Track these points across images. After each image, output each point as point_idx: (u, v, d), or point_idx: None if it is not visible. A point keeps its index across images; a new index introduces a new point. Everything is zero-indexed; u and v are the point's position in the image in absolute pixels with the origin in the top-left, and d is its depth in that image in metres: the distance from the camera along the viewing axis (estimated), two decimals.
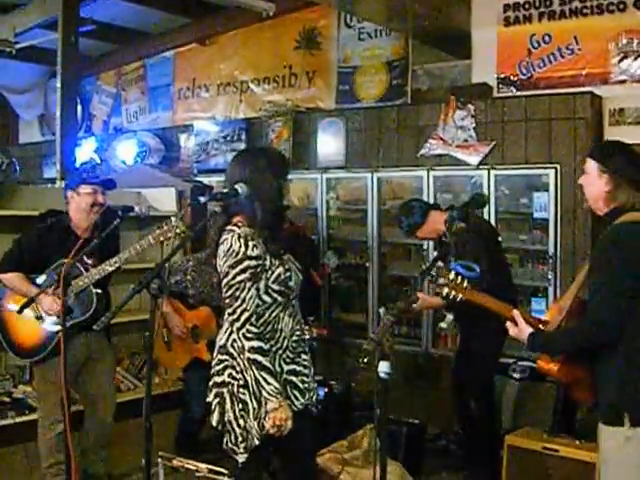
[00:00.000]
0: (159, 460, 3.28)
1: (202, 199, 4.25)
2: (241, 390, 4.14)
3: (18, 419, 7.10)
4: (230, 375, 4.20)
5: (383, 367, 3.61)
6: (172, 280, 6.76)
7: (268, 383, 4.01)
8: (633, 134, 7.35)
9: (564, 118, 7.71)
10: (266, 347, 4.09)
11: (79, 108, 12.28)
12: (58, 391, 5.59)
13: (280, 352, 4.23)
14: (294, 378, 4.29)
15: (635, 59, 7.71)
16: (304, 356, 4.40)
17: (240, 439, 4.15)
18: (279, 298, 4.21)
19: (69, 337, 5.73)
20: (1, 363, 7.56)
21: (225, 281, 4.13)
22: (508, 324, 4.01)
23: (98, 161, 12.15)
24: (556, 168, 7.63)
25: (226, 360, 4.23)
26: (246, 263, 4.07)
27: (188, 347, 6.88)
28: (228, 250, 4.12)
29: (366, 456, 6.63)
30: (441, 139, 8.48)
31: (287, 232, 4.55)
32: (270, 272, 4.16)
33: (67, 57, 9.46)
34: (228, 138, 10.57)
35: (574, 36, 8.04)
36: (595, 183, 4.12)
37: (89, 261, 5.86)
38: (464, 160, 8.26)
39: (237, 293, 4.08)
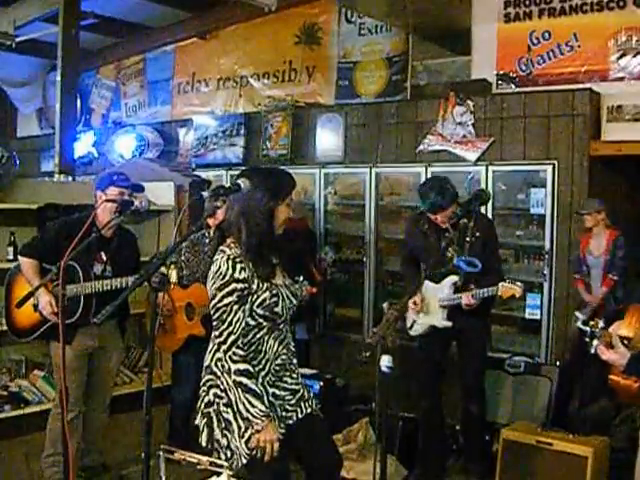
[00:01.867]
0: (160, 453, 3.27)
1: (205, 194, 4.22)
2: (224, 409, 4.12)
3: (14, 412, 7.12)
4: (215, 394, 4.18)
5: (385, 361, 3.62)
6: (167, 262, 6.73)
7: (253, 405, 3.99)
8: (631, 131, 7.40)
9: (562, 115, 7.72)
10: (252, 369, 4.07)
11: (78, 102, 12.29)
12: (72, 381, 5.69)
13: (262, 374, 4.19)
14: (274, 401, 4.25)
15: (634, 56, 7.71)
16: (289, 380, 4.35)
17: (224, 457, 4.10)
18: (264, 322, 4.17)
19: (77, 326, 5.87)
20: None
21: (212, 303, 4.11)
22: (602, 348, 3.93)
23: (96, 155, 12.18)
24: (554, 164, 7.65)
25: (211, 380, 4.21)
26: (233, 286, 4.05)
27: (182, 326, 6.84)
28: (217, 272, 4.10)
29: (361, 450, 6.66)
30: (440, 135, 8.49)
31: (288, 227, 4.47)
32: (255, 296, 4.12)
33: (67, 50, 9.46)
34: (227, 133, 10.59)
35: (573, 33, 8.04)
36: None
37: (104, 257, 5.99)
38: (462, 156, 8.27)
39: (224, 316, 4.06)
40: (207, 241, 6.79)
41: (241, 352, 4.05)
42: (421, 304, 6.42)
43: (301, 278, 4.90)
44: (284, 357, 4.31)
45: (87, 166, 12.21)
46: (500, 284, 6.00)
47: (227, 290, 4.05)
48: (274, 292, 4.18)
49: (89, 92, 13.71)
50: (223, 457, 4.09)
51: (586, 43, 7.97)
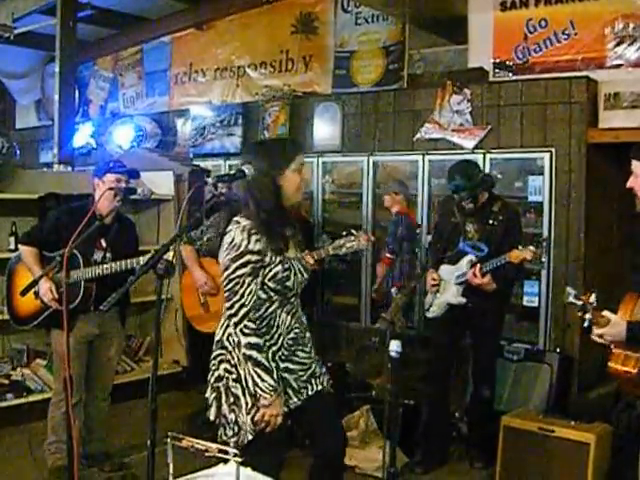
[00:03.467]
0: (168, 440, 3.29)
1: (209, 180, 4.23)
2: (233, 384, 4.12)
3: (16, 401, 7.18)
4: (225, 369, 4.17)
5: (394, 346, 3.70)
6: (204, 238, 6.70)
7: (262, 380, 3.99)
8: (628, 118, 7.41)
9: (560, 102, 7.75)
10: (262, 343, 4.06)
11: (76, 93, 12.30)
12: (72, 369, 5.71)
13: (274, 349, 4.17)
14: (288, 376, 4.24)
15: (631, 44, 7.72)
16: (301, 354, 4.33)
17: (231, 433, 4.14)
18: (274, 296, 4.16)
19: (79, 314, 5.89)
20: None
21: (225, 274, 4.07)
22: (596, 330, 3.88)
23: (95, 146, 12.20)
24: (551, 152, 7.68)
25: (222, 354, 4.20)
26: (247, 257, 4.02)
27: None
28: (231, 243, 4.07)
29: (363, 437, 6.69)
30: (437, 123, 8.52)
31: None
32: (268, 269, 4.09)
33: (65, 42, 9.50)
34: (224, 123, 10.63)
35: (570, 21, 8.04)
36: None
37: (104, 244, 6.06)
38: (460, 144, 8.31)
39: (236, 288, 4.03)
40: None
41: (252, 325, 4.04)
42: (439, 282, 6.55)
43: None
44: (297, 331, 4.31)
45: (86, 157, 12.23)
46: (512, 251, 6.14)
47: (241, 262, 4.02)
48: (286, 266, 4.16)
49: (87, 83, 13.70)
50: (230, 433, 4.14)
51: (583, 31, 7.97)
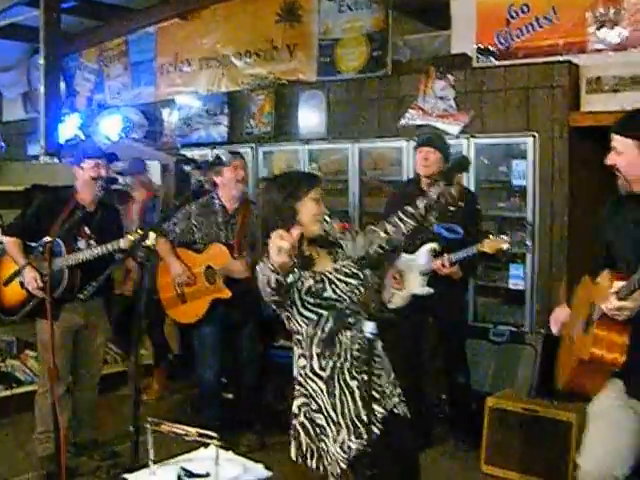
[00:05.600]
0: (147, 426, 3.33)
1: (187, 168, 4.28)
2: (316, 415, 4.07)
3: (6, 392, 7.21)
4: (301, 405, 4.13)
5: (369, 327, 3.60)
6: (177, 230, 6.72)
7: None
8: (610, 102, 7.45)
9: (542, 87, 7.78)
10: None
11: (63, 85, 12.30)
12: (59, 359, 5.78)
13: (347, 365, 4.06)
14: (366, 389, 4.02)
15: (612, 28, 7.74)
16: (373, 364, 4.08)
17: (327, 462, 4.05)
18: (320, 311, 4.05)
19: (64, 303, 5.93)
20: None
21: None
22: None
23: (82, 137, 12.20)
24: (534, 136, 7.71)
25: (296, 390, 4.18)
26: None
27: (204, 291, 6.71)
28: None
29: None
30: (421, 109, 8.55)
31: None
32: (300, 284, 3.98)
33: (49, 34, 9.51)
34: (210, 112, 10.63)
35: (552, 6, 8.05)
36: (636, 164, 3.87)
37: (88, 232, 6.08)
38: (444, 130, 8.31)
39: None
40: (216, 202, 6.76)
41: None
42: (400, 279, 6.44)
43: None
44: (361, 342, 4.09)
45: (74, 148, 12.22)
46: (484, 241, 6.05)
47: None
48: (317, 278, 4.06)
49: (73, 75, 13.69)
50: (326, 462, 4.05)
51: (564, 15, 7.98)
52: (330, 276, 4.11)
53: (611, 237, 4.11)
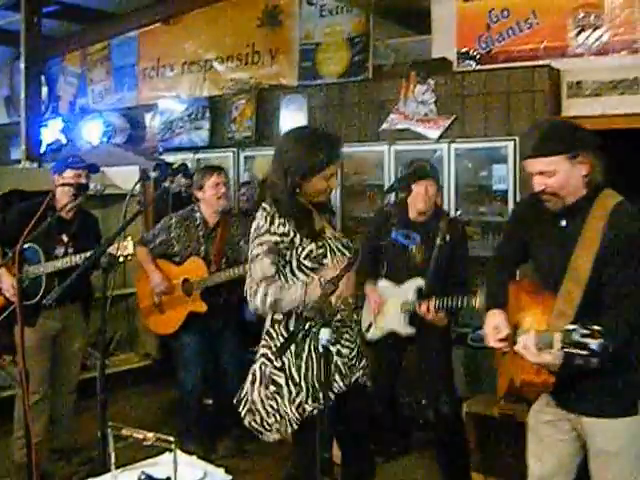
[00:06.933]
0: (109, 430, 3.34)
1: (152, 174, 4.29)
2: (276, 372, 4.10)
3: None
4: (265, 355, 4.16)
5: (325, 334, 3.41)
6: (157, 241, 6.76)
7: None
8: (590, 106, 7.49)
9: (523, 91, 7.79)
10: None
11: (45, 89, 12.29)
12: (36, 364, 5.75)
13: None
14: (339, 360, 4.19)
15: (592, 32, 7.77)
16: (346, 335, 4.24)
17: (272, 420, 4.10)
18: (313, 275, 4.05)
19: (42, 310, 5.91)
20: None
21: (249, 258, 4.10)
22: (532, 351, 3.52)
23: (64, 142, 12.18)
24: (515, 140, 7.70)
25: (264, 340, 4.20)
26: (266, 237, 3.98)
27: (181, 304, 6.76)
28: (255, 227, 4.06)
29: None
30: (402, 114, 8.54)
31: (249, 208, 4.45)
32: (301, 248, 4.03)
33: (30, 38, 9.50)
34: (192, 116, 10.61)
35: (532, 10, 8.07)
36: (571, 177, 3.65)
37: (65, 239, 6.12)
38: (424, 134, 8.32)
39: (250, 265, 4.04)
40: (197, 215, 6.79)
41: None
42: (380, 305, 6.21)
43: None
44: (343, 313, 4.20)
45: (56, 153, 12.20)
46: (477, 299, 5.62)
47: (258, 241, 4.00)
48: (320, 244, 4.10)
49: (56, 79, 13.66)
50: (271, 420, 4.11)
51: (545, 20, 8.00)
52: (330, 243, 4.18)
53: (533, 243, 4.02)
